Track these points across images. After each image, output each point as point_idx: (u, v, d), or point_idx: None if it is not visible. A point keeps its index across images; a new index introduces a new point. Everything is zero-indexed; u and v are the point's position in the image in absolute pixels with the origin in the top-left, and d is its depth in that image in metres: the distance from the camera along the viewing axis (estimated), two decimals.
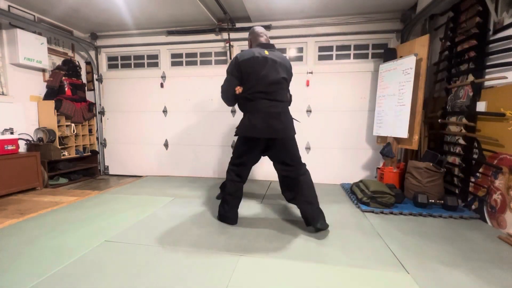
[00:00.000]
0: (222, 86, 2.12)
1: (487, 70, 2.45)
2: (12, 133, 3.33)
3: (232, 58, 2.07)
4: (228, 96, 2.12)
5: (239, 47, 4.04)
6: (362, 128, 3.80)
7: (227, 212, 2.28)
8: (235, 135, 2.17)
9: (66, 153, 3.98)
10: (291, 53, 3.94)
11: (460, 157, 2.75)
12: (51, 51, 3.92)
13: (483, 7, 2.47)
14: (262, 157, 2.29)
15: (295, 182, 2.17)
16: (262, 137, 2.06)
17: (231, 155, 2.29)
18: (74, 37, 4.16)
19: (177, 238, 2.03)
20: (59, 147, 3.78)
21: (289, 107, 2.23)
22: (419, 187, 2.80)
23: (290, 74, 2.20)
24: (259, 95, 2.02)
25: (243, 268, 1.62)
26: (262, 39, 2.21)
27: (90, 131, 4.42)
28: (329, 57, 3.84)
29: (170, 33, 4.15)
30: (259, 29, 2.24)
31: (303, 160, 2.26)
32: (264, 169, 3.92)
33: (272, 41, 3.92)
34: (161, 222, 2.34)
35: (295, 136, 2.19)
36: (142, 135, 4.44)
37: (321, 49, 3.85)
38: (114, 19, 3.83)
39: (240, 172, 2.22)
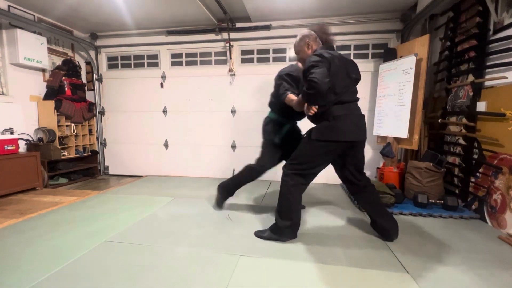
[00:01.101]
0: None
1: (487, 70, 2.45)
2: (12, 133, 3.33)
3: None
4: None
5: (239, 47, 4.04)
6: None
7: (290, 223, 1.95)
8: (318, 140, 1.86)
9: (66, 153, 3.98)
10: (291, 53, 3.94)
11: (460, 157, 2.75)
12: (51, 51, 3.92)
13: (483, 7, 2.47)
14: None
15: (366, 190, 2.02)
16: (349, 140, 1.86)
17: (293, 161, 1.96)
18: (74, 37, 4.16)
19: (177, 238, 2.03)
20: (59, 147, 3.78)
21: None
22: (419, 187, 2.80)
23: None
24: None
25: (243, 268, 1.62)
26: (320, 42, 2.00)
27: (90, 131, 4.42)
28: None
29: (170, 33, 4.15)
30: (311, 31, 2.02)
31: None
32: None
33: (272, 41, 3.96)
34: (161, 222, 2.34)
35: None
36: (142, 135, 4.44)
37: None
38: (114, 19, 3.83)
39: (306, 178, 1.97)
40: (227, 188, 2.58)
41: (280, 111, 2.36)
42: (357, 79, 1.99)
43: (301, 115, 2.33)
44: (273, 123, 2.39)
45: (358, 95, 1.99)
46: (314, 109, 1.79)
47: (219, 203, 2.67)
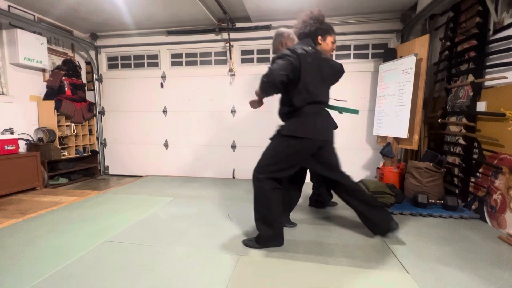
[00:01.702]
0: None
1: (487, 70, 2.45)
2: (12, 133, 3.33)
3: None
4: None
5: (239, 47, 4.04)
6: (362, 128, 3.80)
7: (273, 231, 1.84)
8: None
9: (66, 153, 3.98)
10: None
11: (460, 157, 2.75)
12: (51, 51, 3.92)
13: (483, 7, 2.47)
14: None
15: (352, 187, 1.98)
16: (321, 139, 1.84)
17: (265, 161, 1.84)
18: (74, 37, 4.16)
19: (177, 238, 2.03)
20: (59, 147, 3.78)
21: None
22: (419, 187, 2.80)
23: None
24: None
25: (243, 268, 1.62)
26: (296, 39, 1.99)
27: (90, 131, 4.42)
28: None
29: (170, 33, 4.15)
30: (286, 29, 2.02)
31: None
32: None
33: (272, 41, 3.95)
34: (161, 222, 2.34)
35: None
36: (142, 135, 4.44)
37: None
38: (114, 19, 3.83)
39: (280, 181, 1.86)
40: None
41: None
42: (331, 82, 1.95)
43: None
44: None
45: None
46: (261, 107, 1.88)
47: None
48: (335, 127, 1.98)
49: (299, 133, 1.77)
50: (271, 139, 1.93)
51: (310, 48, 1.78)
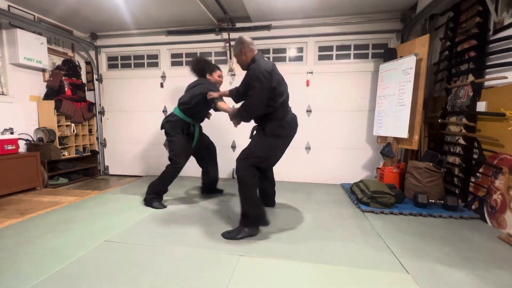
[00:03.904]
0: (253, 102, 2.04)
1: (487, 70, 2.45)
2: (12, 133, 3.33)
3: (256, 71, 2.00)
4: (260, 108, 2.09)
5: None
6: (362, 128, 3.80)
7: (262, 209, 2.19)
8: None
9: (66, 153, 3.98)
10: (291, 53, 3.94)
11: (460, 157, 2.75)
12: (51, 51, 3.92)
13: (483, 7, 2.47)
14: None
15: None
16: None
17: (253, 153, 2.13)
18: (74, 37, 4.16)
19: (177, 238, 2.03)
20: (59, 147, 3.78)
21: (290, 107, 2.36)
22: (419, 187, 2.80)
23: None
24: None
25: (243, 268, 1.62)
26: (255, 49, 2.18)
27: (90, 131, 4.42)
28: (329, 57, 3.84)
29: (170, 33, 4.15)
30: (248, 38, 2.18)
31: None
32: None
33: (272, 41, 3.96)
34: (161, 222, 2.34)
35: None
36: (142, 135, 4.44)
37: (321, 49, 3.85)
38: (114, 19, 3.83)
39: (259, 169, 2.20)
40: (156, 188, 2.78)
41: (191, 113, 2.72)
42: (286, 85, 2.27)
43: (203, 119, 2.93)
44: (182, 122, 2.71)
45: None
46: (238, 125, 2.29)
47: (154, 203, 2.73)
48: (297, 124, 2.32)
49: (279, 132, 2.15)
50: (251, 138, 2.29)
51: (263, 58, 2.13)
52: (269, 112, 2.12)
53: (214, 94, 2.58)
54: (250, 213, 2.06)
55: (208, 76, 2.81)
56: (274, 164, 2.47)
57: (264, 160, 2.17)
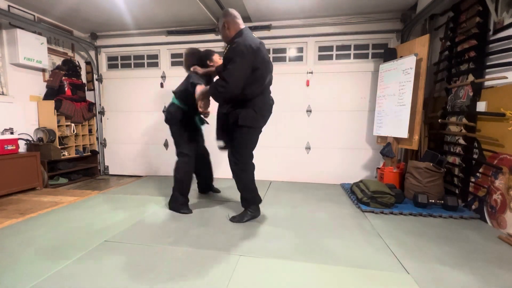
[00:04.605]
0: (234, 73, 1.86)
1: (487, 70, 2.45)
2: (12, 133, 3.33)
3: (238, 45, 1.83)
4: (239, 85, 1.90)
5: None
6: (362, 128, 3.80)
7: (256, 190, 2.35)
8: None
9: (66, 153, 3.98)
10: (291, 53, 3.94)
11: (460, 157, 2.75)
12: (51, 51, 3.92)
13: (483, 7, 2.47)
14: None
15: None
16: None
17: (244, 150, 2.24)
18: (74, 37, 4.16)
19: (177, 238, 2.03)
20: (59, 147, 3.78)
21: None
22: (419, 187, 2.80)
23: None
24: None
25: (243, 268, 1.62)
26: (241, 23, 2.05)
27: (90, 131, 4.42)
28: (329, 57, 3.84)
29: (170, 33, 4.15)
30: (235, 11, 2.07)
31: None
32: (264, 169, 3.92)
33: (272, 41, 3.96)
34: (161, 222, 2.34)
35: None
36: (142, 135, 4.44)
37: (321, 49, 3.85)
38: (114, 19, 3.83)
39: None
40: (175, 192, 2.63)
41: (188, 101, 2.53)
42: (272, 68, 2.16)
43: (196, 109, 2.41)
44: (182, 112, 2.60)
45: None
46: (207, 110, 2.16)
47: (182, 208, 2.60)
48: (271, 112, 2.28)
49: (255, 124, 2.13)
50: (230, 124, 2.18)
51: (252, 35, 1.98)
52: (246, 97, 1.98)
53: (199, 69, 2.47)
54: (253, 199, 2.32)
55: (210, 63, 2.62)
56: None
57: (250, 152, 2.26)
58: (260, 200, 2.42)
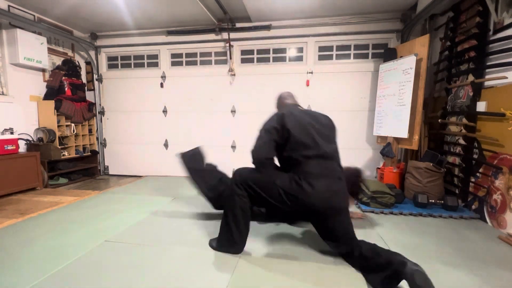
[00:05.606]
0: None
1: (487, 70, 2.45)
2: (12, 133, 3.33)
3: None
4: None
5: (239, 47, 4.04)
6: (362, 128, 3.80)
7: (237, 235, 1.75)
8: None
9: (66, 153, 3.98)
10: (291, 53, 3.94)
11: (460, 157, 2.75)
12: (51, 51, 3.92)
13: (483, 7, 2.47)
14: None
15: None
16: None
17: (250, 172, 1.80)
18: (74, 37, 4.16)
19: (177, 238, 2.03)
20: (59, 147, 3.78)
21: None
22: (419, 187, 2.80)
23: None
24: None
25: (243, 268, 1.62)
26: (291, 101, 2.05)
27: (90, 131, 4.42)
28: (329, 57, 3.84)
29: (170, 33, 4.15)
30: (285, 93, 2.10)
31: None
32: None
33: (272, 41, 3.96)
34: (161, 222, 2.34)
35: None
36: (142, 135, 4.44)
37: (321, 49, 3.85)
38: (114, 19, 3.83)
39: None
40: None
41: None
42: (329, 132, 1.88)
43: None
44: None
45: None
46: None
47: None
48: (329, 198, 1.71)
49: (291, 191, 1.67)
50: None
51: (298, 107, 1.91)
52: (291, 162, 1.72)
53: None
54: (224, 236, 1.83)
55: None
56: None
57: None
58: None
